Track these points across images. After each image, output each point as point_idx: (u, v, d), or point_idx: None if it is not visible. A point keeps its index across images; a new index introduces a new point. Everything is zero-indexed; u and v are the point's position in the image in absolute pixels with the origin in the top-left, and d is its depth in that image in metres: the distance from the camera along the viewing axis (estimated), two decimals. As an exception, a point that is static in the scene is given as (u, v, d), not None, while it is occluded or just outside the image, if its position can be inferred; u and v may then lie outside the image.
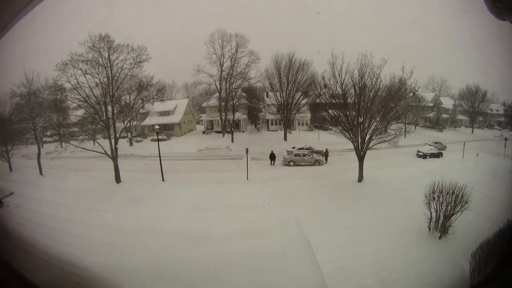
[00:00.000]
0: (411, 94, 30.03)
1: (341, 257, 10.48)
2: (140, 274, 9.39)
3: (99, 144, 19.90)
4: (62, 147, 20.44)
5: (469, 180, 12.68)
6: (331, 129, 23.02)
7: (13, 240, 3.18)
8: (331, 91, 21.43)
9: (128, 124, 25.96)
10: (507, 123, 44.12)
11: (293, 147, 27.71)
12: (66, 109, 26.57)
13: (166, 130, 36.00)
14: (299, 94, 34.20)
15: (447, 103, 45.12)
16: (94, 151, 19.62)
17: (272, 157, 24.35)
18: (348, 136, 19.50)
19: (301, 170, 22.80)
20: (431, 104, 44.27)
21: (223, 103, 35.49)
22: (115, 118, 21.45)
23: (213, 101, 37.64)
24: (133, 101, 23.28)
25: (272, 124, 39.00)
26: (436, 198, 11.90)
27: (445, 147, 29.85)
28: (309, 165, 23.87)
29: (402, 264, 9.88)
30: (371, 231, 12.37)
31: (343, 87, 20.17)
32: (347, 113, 19.63)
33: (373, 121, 18.95)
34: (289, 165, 23.89)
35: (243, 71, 34.76)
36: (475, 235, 9.02)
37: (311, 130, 38.17)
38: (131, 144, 32.93)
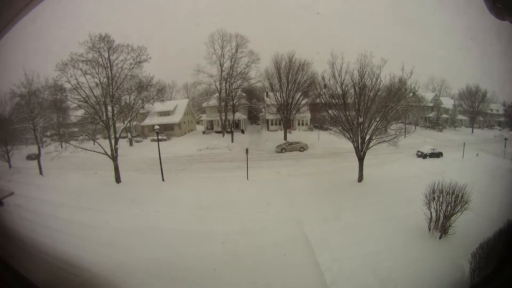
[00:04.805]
0: (411, 94, 29.97)
1: (341, 256, 10.50)
2: (140, 273, 9.38)
3: (99, 144, 19.90)
4: (62, 147, 20.45)
5: (469, 180, 12.66)
6: (331, 129, 23.00)
7: (13, 240, 3.18)
8: (331, 91, 21.43)
9: (128, 124, 25.98)
10: (507, 123, 43.97)
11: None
12: (66, 109, 26.64)
13: (166, 130, 35.92)
14: (299, 94, 34.15)
15: (447, 103, 44.95)
16: (94, 151, 19.61)
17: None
18: (348, 136, 19.49)
19: (299, 166, 23.83)
20: (431, 104, 44.16)
21: (223, 103, 35.43)
22: (115, 118, 21.47)
23: (213, 101, 37.51)
24: (133, 101, 23.31)
25: (272, 124, 38.97)
26: (436, 198, 11.93)
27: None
28: (296, 150, 28.85)
29: (402, 264, 9.89)
30: (371, 231, 12.38)
31: (343, 87, 20.18)
32: (347, 113, 19.63)
33: (373, 121, 18.94)
34: (282, 152, 28.75)
35: (243, 71, 34.60)
36: (475, 235, 9.01)
37: (311, 130, 38.09)
38: (131, 144, 32.93)
